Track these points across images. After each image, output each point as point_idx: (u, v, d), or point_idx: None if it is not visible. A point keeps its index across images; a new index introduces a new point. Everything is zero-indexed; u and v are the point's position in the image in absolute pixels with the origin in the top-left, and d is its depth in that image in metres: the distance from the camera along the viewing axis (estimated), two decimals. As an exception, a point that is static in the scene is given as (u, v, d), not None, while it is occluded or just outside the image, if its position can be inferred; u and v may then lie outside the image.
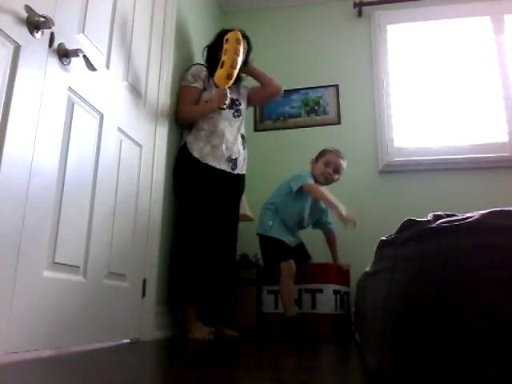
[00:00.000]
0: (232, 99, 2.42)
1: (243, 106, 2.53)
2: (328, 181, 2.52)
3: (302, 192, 2.44)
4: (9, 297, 1.21)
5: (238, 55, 2.24)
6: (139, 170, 2.01)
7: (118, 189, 1.81)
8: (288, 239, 2.46)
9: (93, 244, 1.61)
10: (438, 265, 0.73)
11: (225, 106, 2.27)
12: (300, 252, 2.58)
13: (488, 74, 3.05)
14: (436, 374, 0.69)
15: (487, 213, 0.75)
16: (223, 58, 2.22)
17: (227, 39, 2.28)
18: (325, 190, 2.42)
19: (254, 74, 2.61)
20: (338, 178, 2.55)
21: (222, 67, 2.20)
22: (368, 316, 1.02)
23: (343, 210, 2.29)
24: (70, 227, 1.49)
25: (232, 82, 2.24)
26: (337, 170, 2.51)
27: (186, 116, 2.39)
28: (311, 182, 2.43)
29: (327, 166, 2.49)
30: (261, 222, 2.52)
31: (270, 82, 2.59)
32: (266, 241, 2.46)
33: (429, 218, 0.82)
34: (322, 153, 2.56)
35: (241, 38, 2.29)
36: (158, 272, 2.09)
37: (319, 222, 2.66)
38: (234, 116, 2.45)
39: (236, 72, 2.23)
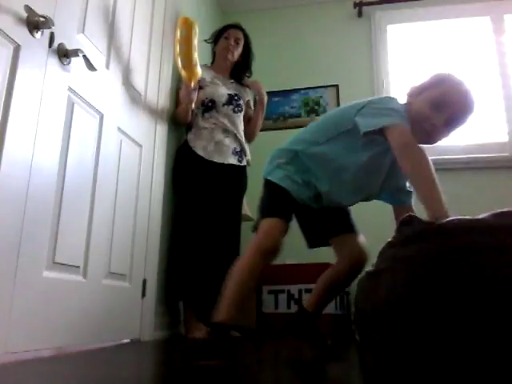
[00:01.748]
0: (230, 95, 2.44)
1: (243, 101, 2.51)
2: (433, 137, 1.29)
3: (374, 139, 1.25)
4: (9, 297, 1.21)
5: (184, 50, 2.16)
6: (139, 170, 2.01)
7: (118, 189, 1.81)
8: (302, 192, 1.35)
9: (93, 244, 1.61)
10: (439, 265, 0.73)
11: (193, 106, 2.24)
12: (336, 221, 1.48)
13: (488, 74, 3.05)
14: (436, 374, 0.69)
15: (491, 214, 0.76)
16: None
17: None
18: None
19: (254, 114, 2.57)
20: (446, 137, 1.31)
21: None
22: (368, 316, 1.02)
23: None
24: (70, 227, 1.49)
25: (195, 79, 2.19)
26: (457, 118, 1.25)
27: (175, 118, 2.38)
28: (406, 125, 1.21)
29: (439, 111, 1.23)
30: (269, 162, 1.46)
31: (254, 129, 2.57)
32: (265, 188, 1.44)
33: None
34: (436, 81, 1.29)
35: (190, 25, 2.20)
36: (158, 272, 2.09)
37: (398, 193, 1.44)
38: (235, 111, 2.44)
39: (194, 67, 2.16)
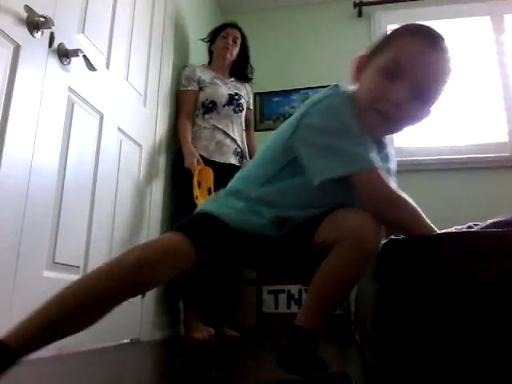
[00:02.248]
0: (231, 95, 2.44)
1: (243, 100, 2.52)
2: (397, 120, 0.91)
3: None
4: (9, 297, 1.21)
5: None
6: (139, 170, 2.01)
7: (118, 189, 1.81)
8: (249, 220, 0.90)
9: (93, 244, 1.61)
10: (438, 269, 0.73)
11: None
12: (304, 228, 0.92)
13: (488, 73, 3.05)
14: (435, 375, 0.69)
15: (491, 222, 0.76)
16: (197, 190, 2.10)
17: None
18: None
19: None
20: (425, 115, 0.97)
21: (199, 187, 2.11)
22: (368, 316, 1.02)
23: None
24: (69, 227, 1.49)
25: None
26: (424, 84, 0.88)
27: (177, 129, 2.35)
28: (377, 162, 0.88)
29: (393, 80, 0.86)
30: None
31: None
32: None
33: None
34: (385, 40, 0.94)
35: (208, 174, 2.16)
36: (158, 272, 2.09)
37: None
38: (236, 111, 2.45)
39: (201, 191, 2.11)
